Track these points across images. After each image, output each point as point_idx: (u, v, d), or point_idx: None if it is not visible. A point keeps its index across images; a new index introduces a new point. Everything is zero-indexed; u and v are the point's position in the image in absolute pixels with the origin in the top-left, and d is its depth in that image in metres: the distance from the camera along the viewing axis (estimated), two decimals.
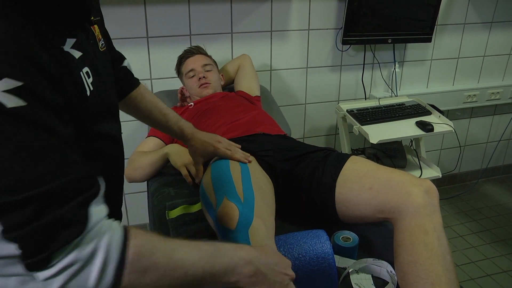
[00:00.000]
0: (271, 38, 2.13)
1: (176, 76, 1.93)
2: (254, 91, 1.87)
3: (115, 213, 0.77)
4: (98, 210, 0.58)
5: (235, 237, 0.91)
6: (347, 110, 2.13)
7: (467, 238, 2.34)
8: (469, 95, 2.53)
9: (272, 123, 1.56)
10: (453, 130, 2.01)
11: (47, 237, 0.53)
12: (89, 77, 0.67)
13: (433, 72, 2.49)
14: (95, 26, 0.77)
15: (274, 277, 0.76)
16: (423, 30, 2.23)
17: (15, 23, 0.53)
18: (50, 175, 0.53)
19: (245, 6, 2.03)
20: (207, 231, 1.19)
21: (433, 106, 2.18)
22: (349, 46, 2.24)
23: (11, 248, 0.52)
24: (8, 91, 0.49)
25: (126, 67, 1.09)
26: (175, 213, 1.31)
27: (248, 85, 1.87)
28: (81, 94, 0.63)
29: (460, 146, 2.70)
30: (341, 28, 2.14)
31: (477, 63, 2.57)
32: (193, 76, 1.78)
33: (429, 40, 2.26)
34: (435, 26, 2.23)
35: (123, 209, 2.23)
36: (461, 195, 2.73)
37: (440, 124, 2.03)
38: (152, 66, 2.01)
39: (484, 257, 2.19)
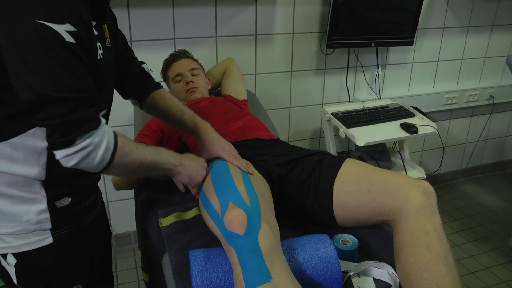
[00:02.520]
0: (255, 42, 2.13)
1: (161, 80, 1.89)
2: (242, 95, 1.85)
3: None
4: (103, 118, 0.87)
5: (244, 243, 0.89)
6: (332, 113, 2.14)
7: (450, 237, 2.38)
8: (449, 97, 2.59)
9: (264, 128, 1.55)
10: (437, 132, 2.05)
11: (74, 126, 0.80)
12: (100, 49, 0.92)
13: (414, 75, 2.53)
14: (105, 26, 0.99)
15: (193, 167, 1.14)
16: (405, 34, 2.27)
17: None
18: (84, 88, 0.81)
19: (229, 9, 2.02)
20: (202, 238, 1.17)
21: (416, 108, 2.21)
22: (333, 49, 2.26)
23: (19, 141, 0.85)
24: (67, 31, 0.77)
25: (143, 68, 1.27)
26: (168, 220, 1.28)
27: (235, 89, 1.86)
28: (95, 55, 0.89)
29: (443, 147, 2.76)
30: (325, 32, 2.15)
31: (455, 66, 2.63)
32: (180, 81, 1.75)
33: (410, 43, 2.30)
34: (416, 30, 2.27)
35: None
36: (443, 195, 2.79)
37: (424, 126, 2.06)
38: None
39: (467, 255, 2.24)
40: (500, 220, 2.54)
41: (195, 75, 1.77)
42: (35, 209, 0.91)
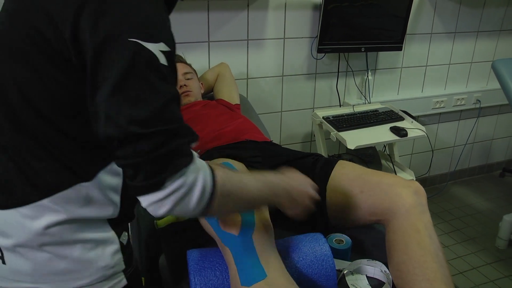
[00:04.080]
0: (247, 47, 2.15)
1: None
2: (234, 99, 1.87)
3: None
4: (194, 151, 0.73)
5: (238, 242, 0.91)
6: (323, 117, 2.17)
7: (440, 238, 2.37)
8: (437, 101, 2.65)
9: (257, 130, 1.58)
10: (426, 135, 2.09)
11: (163, 164, 0.66)
12: None
13: (403, 80, 2.58)
14: None
15: (300, 199, 0.96)
16: (394, 39, 2.31)
17: (161, 4, 0.70)
18: (174, 118, 0.67)
19: (222, 15, 2.05)
20: (198, 239, 1.19)
21: (405, 112, 2.26)
22: (323, 54, 2.29)
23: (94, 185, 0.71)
24: (162, 52, 0.66)
25: None
26: (164, 222, 1.29)
27: (228, 93, 1.88)
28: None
29: (432, 150, 2.81)
30: (316, 37, 2.19)
31: (443, 71, 2.69)
32: None
33: (399, 48, 2.35)
34: (405, 36, 2.32)
35: None
36: (432, 198, 2.84)
37: (413, 129, 2.10)
38: None
39: (456, 256, 2.28)
40: (487, 221, 2.59)
41: (188, 79, 1.79)
42: (109, 251, 0.79)
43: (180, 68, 1.80)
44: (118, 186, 0.78)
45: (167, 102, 0.66)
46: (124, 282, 0.82)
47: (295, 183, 0.96)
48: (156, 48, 0.65)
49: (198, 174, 0.70)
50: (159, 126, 0.65)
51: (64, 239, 0.75)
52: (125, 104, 0.63)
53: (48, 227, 0.73)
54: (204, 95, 1.92)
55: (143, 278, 1.61)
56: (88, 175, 0.73)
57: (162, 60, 0.65)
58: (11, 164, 0.72)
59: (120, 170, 0.75)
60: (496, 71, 2.06)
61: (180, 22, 1.98)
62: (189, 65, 1.87)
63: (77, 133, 0.71)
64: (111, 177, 0.76)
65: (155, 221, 1.31)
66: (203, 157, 1.31)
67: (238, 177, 0.82)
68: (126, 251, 0.83)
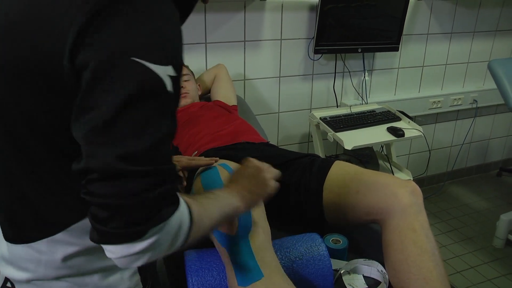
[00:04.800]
0: (244, 48, 2.16)
1: None
2: (231, 101, 1.88)
3: None
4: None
5: (236, 243, 0.92)
6: (320, 118, 2.18)
7: (437, 238, 2.43)
8: (434, 101, 2.65)
9: (254, 132, 1.58)
10: (423, 135, 2.10)
11: (151, 210, 0.56)
12: None
13: (400, 80, 2.59)
14: None
15: (261, 190, 0.90)
16: (390, 40, 2.32)
17: (176, 21, 0.60)
18: (167, 158, 0.58)
19: (219, 16, 2.05)
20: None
21: (402, 112, 2.26)
22: (320, 55, 2.30)
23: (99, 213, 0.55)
24: (170, 77, 0.56)
25: None
26: None
27: (225, 94, 1.89)
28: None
29: (429, 150, 2.82)
30: (313, 38, 2.19)
31: (440, 71, 2.70)
32: None
33: (396, 49, 2.36)
34: (401, 36, 2.33)
35: None
36: (430, 198, 2.84)
37: (410, 129, 2.11)
38: None
39: (454, 255, 2.29)
40: (485, 221, 2.60)
41: (185, 80, 1.79)
42: (128, 274, 0.76)
43: None
44: None
45: (163, 139, 0.57)
46: None
47: (248, 181, 0.90)
48: (164, 72, 0.55)
49: (182, 220, 0.62)
50: (151, 165, 0.55)
51: (82, 270, 0.71)
52: (116, 137, 0.54)
53: (66, 259, 0.69)
54: (201, 97, 1.93)
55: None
56: None
57: (169, 87, 0.56)
58: (18, 199, 0.68)
59: None
60: (492, 71, 2.07)
61: None
62: (186, 67, 1.87)
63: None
64: None
65: None
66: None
67: (204, 206, 0.73)
68: (144, 269, 0.80)
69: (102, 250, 0.60)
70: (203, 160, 1.20)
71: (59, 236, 0.68)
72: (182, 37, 0.60)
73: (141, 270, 0.79)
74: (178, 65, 0.58)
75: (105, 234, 0.56)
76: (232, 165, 1.22)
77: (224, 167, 1.20)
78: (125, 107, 0.53)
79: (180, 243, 0.63)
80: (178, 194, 0.63)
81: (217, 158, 1.21)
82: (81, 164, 0.55)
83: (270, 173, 0.95)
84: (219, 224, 0.82)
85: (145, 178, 0.55)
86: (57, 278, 0.71)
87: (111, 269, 0.73)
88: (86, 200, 0.56)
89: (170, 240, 0.60)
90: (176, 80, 0.57)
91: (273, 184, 0.93)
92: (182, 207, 0.63)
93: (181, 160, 1.22)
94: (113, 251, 0.57)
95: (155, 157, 0.56)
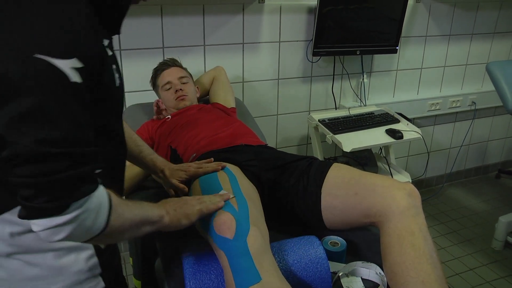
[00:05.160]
0: (243, 50, 2.16)
1: (150, 89, 1.92)
2: (230, 103, 1.88)
3: None
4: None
5: (233, 246, 0.92)
6: (319, 120, 2.18)
7: (436, 240, 2.43)
8: (433, 104, 2.66)
9: (252, 134, 1.58)
10: (421, 137, 2.10)
11: (70, 187, 0.64)
12: (116, 73, 0.80)
13: (398, 82, 2.59)
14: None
15: (181, 209, 0.97)
16: (389, 42, 2.32)
17: (83, 13, 0.66)
18: (85, 141, 0.66)
19: (217, 18, 2.05)
20: (194, 243, 1.19)
21: (400, 114, 2.26)
22: (319, 57, 2.30)
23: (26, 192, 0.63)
24: (74, 68, 0.62)
25: None
26: None
27: (224, 97, 1.89)
28: (113, 83, 0.77)
29: (428, 152, 2.82)
30: (311, 40, 2.20)
31: (438, 73, 2.70)
32: (169, 89, 1.78)
33: (394, 51, 2.36)
34: (400, 38, 2.33)
35: None
36: (428, 199, 2.84)
37: (409, 132, 2.11)
38: (125, 79, 1.98)
39: (453, 257, 2.28)
40: (484, 223, 2.60)
41: (184, 83, 1.79)
42: (83, 256, 0.82)
43: (176, 72, 1.81)
44: None
45: (78, 126, 0.64)
46: (102, 285, 0.85)
47: (173, 203, 0.99)
48: (67, 65, 0.61)
49: (100, 201, 0.70)
50: (68, 148, 0.63)
51: (33, 248, 0.76)
52: (33, 126, 0.60)
53: (13, 235, 0.75)
54: (199, 99, 1.93)
55: (139, 282, 1.61)
56: None
57: (75, 78, 0.62)
58: None
59: None
60: (491, 73, 2.07)
61: (176, 26, 1.99)
62: (185, 69, 1.87)
63: None
64: None
65: None
66: (199, 160, 1.32)
67: (124, 201, 0.82)
68: (104, 254, 0.85)
69: None
70: (211, 166, 1.22)
71: (3, 216, 0.74)
72: (90, 29, 0.67)
73: (100, 254, 0.84)
74: (84, 57, 0.64)
75: (32, 210, 0.63)
76: (233, 169, 1.22)
77: (224, 171, 1.20)
78: (35, 99, 0.60)
79: (101, 224, 0.70)
80: (98, 179, 0.70)
81: (225, 165, 1.21)
82: (6, 152, 0.61)
83: (195, 199, 1.03)
84: (143, 225, 0.86)
85: (63, 160, 0.63)
86: (9, 255, 0.76)
87: (65, 250, 0.79)
88: (14, 182, 0.63)
89: (91, 218, 0.68)
90: (84, 70, 0.64)
91: (197, 207, 1.00)
92: (102, 191, 0.70)
93: (189, 170, 1.23)
94: (38, 224, 0.64)
95: (71, 141, 0.63)
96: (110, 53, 0.78)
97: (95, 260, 0.83)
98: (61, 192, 0.63)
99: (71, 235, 0.67)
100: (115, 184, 0.92)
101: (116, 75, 0.79)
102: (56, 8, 0.63)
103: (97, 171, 0.70)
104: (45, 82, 0.60)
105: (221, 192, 1.07)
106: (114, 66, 0.79)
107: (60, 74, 0.61)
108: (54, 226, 0.64)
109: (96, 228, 0.70)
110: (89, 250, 0.82)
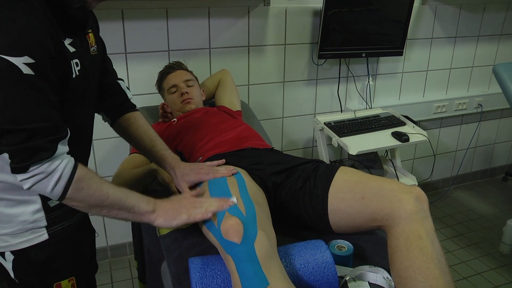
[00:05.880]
0: (248, 53, 2.16)
1: (156, 92, 1.92)
2: (236, 106, 1.88)
3: None
4: (63, 147, 0.90)
5: (241, 251, 0.91)
6: (324, 123, 2.17)
7: (443, 243, 2.41)
8: (439, 106, 2.65)
9: (258, 137, 1.58)
10: (428, 140, 2.09)
11: (28, 154, 0.85)
12: (77, 66, 0.95)
13: (404, 85, 2.59)
14: (90, 34, 1.04)
15: (170, 209, 1.06)
16: (394, 45, 2.32)
17: (36, 16, 0.83)
18: (39, 119, 0.84)
19: (223, 22, 2.06)
20: (200, 246, 1.19)
21: (406, 117, 2.26)
22: (324, 60, 2.30)
23: (6, 157, 0.87)
24: (26, 64, 0.80)
25: (119, 84, 1.26)
26: (165, 229, 1.29)
27: (229, 100, 1.89)
28: (69, 74, 0.93)
29: (434, 155, 2.81)
30: (317, 43, 2.19)
31: (444, 76, 2.69)
32: (175, 92, 1.78)
33: (400, 53, 2.35)
34: (405, 41, 2.33)
35: (101, 228, 2.18)
36: (435, 202, 2.83)
37: (415, 134, 2.10)
38: (130, 82, 1.99)
39: (460, 261, 2.27)
40: (491, 226, 2.58)
41: (189, 86, 1.79)
42: (30, 210, 0.98)
43: (181, 75, 1.81)
44: None
45: (34, 104, 0.83)
46: (45, 237, 1.00)
47: (174, 201, 1.10)
48: (20, 61, 0.79)
49: (59, 167, 0.88)
50: (26, 124, 0.83)
51: None
52: None
53: None
54: (205, 102, 1.93)
55: (143, 285, 1.61)
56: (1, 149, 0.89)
57: (26, 70, 0.80)
58: None
59: None
60: (497, 75, 2.06)
61: (181, 29, 1.99)
62: (190, 72, 1.87)
63: None
64: None
65: (157, 228, 1.31)
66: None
67: (101, 180, 0.96)
68: (54, 212, 1.01)
69: (6, 184, 0.94)
70: (221, 172, 1.21)
71: None
72: (44, 31, 0.83)
73: (47, 210, 1.00)
74: (35, 54, 0.80)
75: (11, 168, 0.86)
76: (242, 173, 1.22)
77: (234, 176, 1.20)
78: None
79: (58, 190, 0.89)
80: (62, 150, 0.89)
81: (236, 171, 1.20)
82: None
83: (190, 202, 1.09)
84: (118, 210, 0.99)
85: (21, 133, 0.83)
86: None
87: (15, 201, 0.96)
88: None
89: (47, 180, 0.87)
90: (35, 65, 0.80)
91: (198, 211, 1.06)
92: (66, 162, 0.89)
93: (202, 178, 1.22)
94: (17, 177, 0.87)
95: (30, 118, 0.83)
96: (72, 49, 0.93)
97: (41, 214, 0.99)
98: (24, 157, 0.85)
99: (34, 188, 0.87)
100: (83, 150, 1.11)
101: (77, 68, 0.95)
102: (9, 15, 0.80)
103: (62, 141, 0.89)
104: (3, 76, 0.79)
105: (232, 199, 1.06)
106: (76, 60, 0.94)
107: (15, 68, 0.79)
108: (22, 179, 0.87)
109: (56, 192, 0.89)
110: (36, 205, 0.99)
